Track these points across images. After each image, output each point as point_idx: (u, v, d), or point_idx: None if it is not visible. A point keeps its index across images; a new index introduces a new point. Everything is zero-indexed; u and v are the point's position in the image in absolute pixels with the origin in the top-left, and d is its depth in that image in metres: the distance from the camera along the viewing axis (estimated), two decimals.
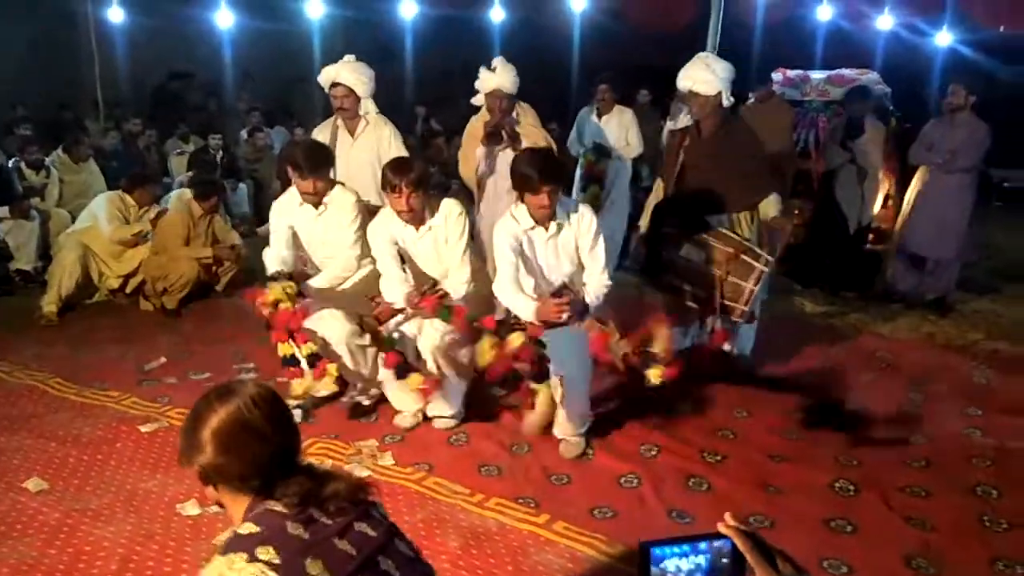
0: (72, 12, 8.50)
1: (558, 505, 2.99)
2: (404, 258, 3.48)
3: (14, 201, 5.78)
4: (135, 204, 5.47)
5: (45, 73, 8.72)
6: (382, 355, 3.38)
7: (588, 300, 3.19)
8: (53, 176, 6.27)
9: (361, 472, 3.20)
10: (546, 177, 3.03)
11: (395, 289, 3.39)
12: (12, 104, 8.04)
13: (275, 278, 3.41)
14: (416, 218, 3.31)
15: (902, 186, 5.62)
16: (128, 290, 5.41)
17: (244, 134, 8.38)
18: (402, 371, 3.33)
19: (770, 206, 3.84)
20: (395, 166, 3.27)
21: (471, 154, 4.47)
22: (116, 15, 8.61)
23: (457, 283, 3.37)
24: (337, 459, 3.31)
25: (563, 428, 3.40)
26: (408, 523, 2.86)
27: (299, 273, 3.58)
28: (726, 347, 3.85)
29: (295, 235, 3.65)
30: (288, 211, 3.63)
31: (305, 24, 9.23)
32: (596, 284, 3.25)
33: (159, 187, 6.17)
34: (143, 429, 3.57)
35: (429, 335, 3.39)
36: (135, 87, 9.63)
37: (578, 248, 3.27)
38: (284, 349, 3.40)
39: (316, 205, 3.53)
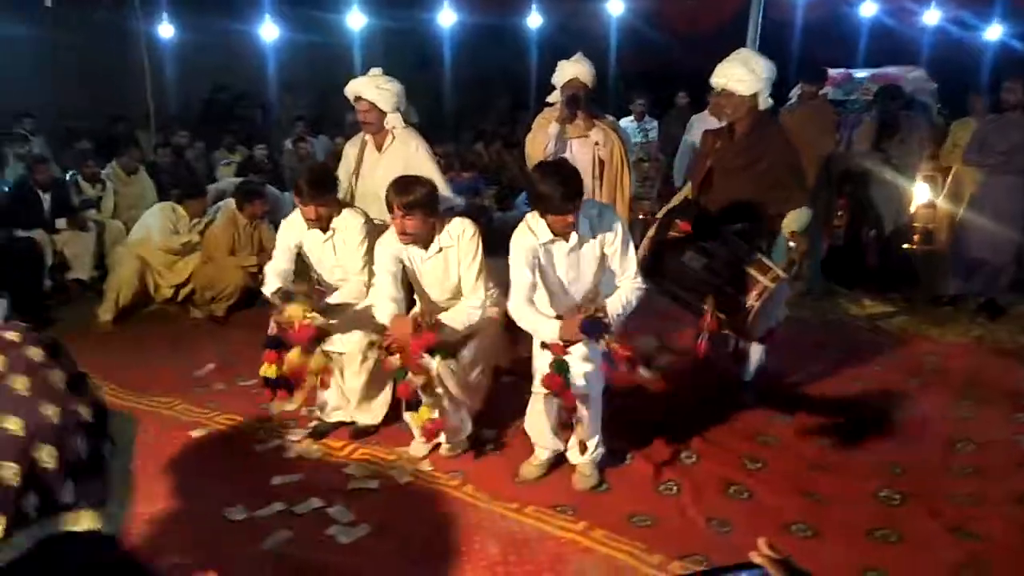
0: (125, 28, 8.80)
1: (596, 512, 3.00)
2: (412, 280, 3.37)
3: (71, 213, 6.02)
4: (186, 215, 5.66)
5: (99, 88, 9.05)
6: (392, 383, 3.34)
7: (613, 312, 2.96)
8: (108, 188, 6.51)
9: (403, 478, 3.27)
10: (571, 196, 2.83)
11: (383, 306, 3.21)
12: (63, 116, 8.37)
13: (288, 296, 3.33)
14: (416, 241, 3.19)
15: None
16: (179, 299, 5.59)
17: (289, 143, 8.57)
18: (415, 404, 3.19)
19: (793, 219, 3.58)
20: (397, 186, 3.14)
21: (540, 136, 4.37)
22: (166, 31, 8.92)
23: (471, 307, 3.22)
24: (380, 465, 3.37)
25: (576, 454, 3.22)
26: (448, 528, 2.91)
27: (305, 290, 3.51)
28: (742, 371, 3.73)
29: (300, 254, 3.63)
30: (296, 230, 3.58)
31: (347, 35, 9.39)
32: (627, 289, 3.03)
33: (209, 198, 6.36)
34: (193, 434, 3.69)
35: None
36: (184, 100, 9.95)
37: (604, 256, 3.06)
38: (267, 371, 3.32)
39: (323, 230, 3.49)
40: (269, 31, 9.07)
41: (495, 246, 7.69)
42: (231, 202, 5.72)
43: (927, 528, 2.88)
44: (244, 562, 2.74)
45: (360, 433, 3.66)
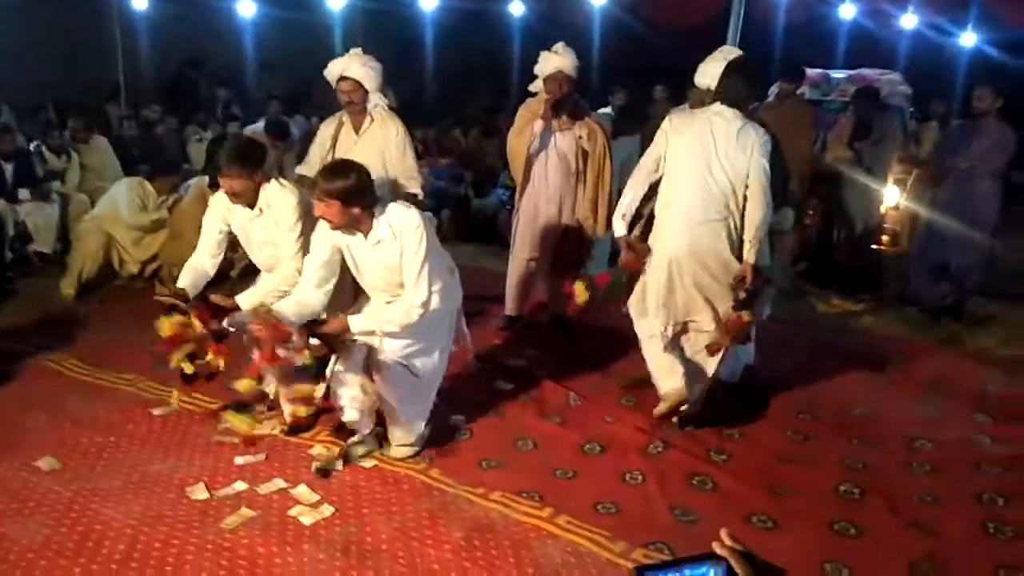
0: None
1: (562, 499, 3.00)
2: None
3: (35, 184, 5.87)
4: (154, 192, 5.55)
5: (70, 59, 8.83)
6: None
7: (357, 325, 3.00)
8: (74, 160, 6.37)
9: (368, 460, 3.24)
10: (327, 190, 2.86)
11: (306, 297, 3.07)
12: (38, 89, 8.16)
13: (172, 308, 3.17)
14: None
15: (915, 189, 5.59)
16: (145, 275, 5.48)
17: (263, 122, 8.43)
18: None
19: (777, 221, 3.60)
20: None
21: (525, 129, 4.38)
22: (140, 3, 8.70)
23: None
24: (344, 446, 3.33)
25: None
26: (412, 512, 2.89)
27: (222, 297, 3.34)
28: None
29: (231, 235, 3.43)
30: (223, 206, 3.36)
31: (326, 14, 9.27)
32: (397, 307, 3.00)
33: (180, 175, 6.26)
34: (155, 412, 3.62)
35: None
36: (158, 74, 9.74)
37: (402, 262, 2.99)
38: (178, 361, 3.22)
39: (248, 206, 3.28)
40: (247, 7, 8.91)
41: (472, 233, 7.66)
42: (204, 179, 5.63)
43: (885, 523, 2.93)
44: (204, 540, 2.69)
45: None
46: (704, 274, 3.32)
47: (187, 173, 6.42)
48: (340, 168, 2.98)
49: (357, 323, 3.04)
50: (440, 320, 3.18)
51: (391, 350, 3.07)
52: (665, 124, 3.38)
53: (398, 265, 3.00)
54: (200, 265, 3.40)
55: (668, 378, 3.52)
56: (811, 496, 3.09)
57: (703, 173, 3.24)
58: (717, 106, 3.30)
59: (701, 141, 3.25)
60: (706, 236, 3.28)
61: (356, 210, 2.92)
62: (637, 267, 3.43)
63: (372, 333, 3.05)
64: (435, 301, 3.01)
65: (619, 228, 3.45)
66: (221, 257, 3.47)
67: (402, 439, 3.28)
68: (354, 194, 2.89)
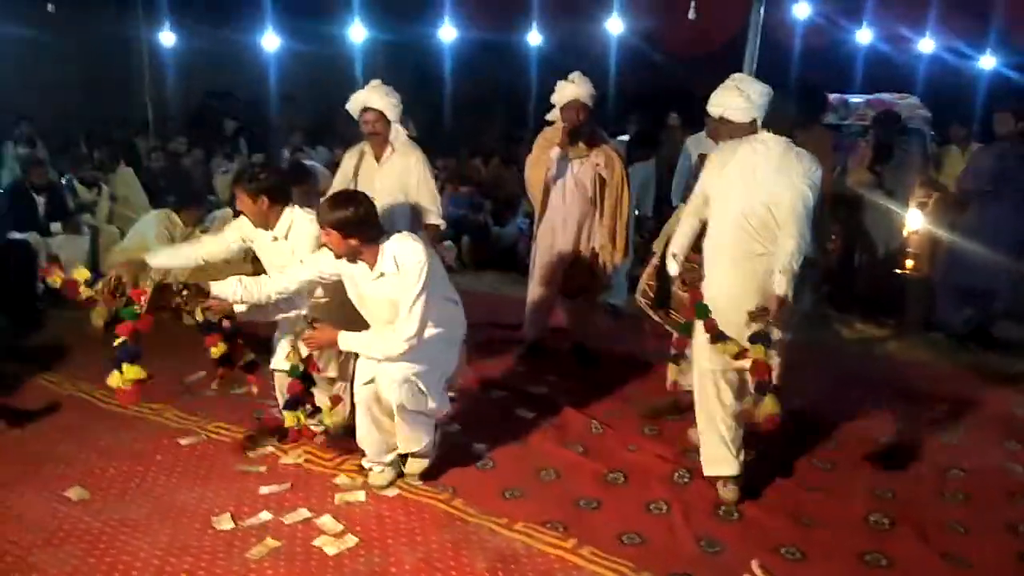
0: (126, 36, 8.84)
1: (586, 530, 2.99)
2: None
3: (67, 217, 6.01)
4: (181, 223, 5.66)
5: (99, 94, 9.06)
6: (285, 381, 3.43)
7: (344, 341, 3.08)
8: (104, 192, 6.51)
9: (391, 490, 3.25)
10: (326, 220, 2.95)
11: (260, 283, 3.24)
12: (63, 120, 8.38)
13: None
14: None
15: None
16: (172, 306, 5.55)
17: (286, 153, 8.58)
18: (293, 403, 3.38)
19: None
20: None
21: (541, 159, 4.43)
22: (168, 39, 8.96)
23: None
24: (368, 476, 3.34)
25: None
26: (436, 542, 2.89)
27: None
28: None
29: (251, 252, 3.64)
30: (248, 225, 3.51)
31: (347, 47, 9.45)
32: (388, 335, 3.00)
33: (205, 206, 6.37)
34: (182, 442, 3.66)
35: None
36: (184, 107, 9.97)
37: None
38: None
39: (264, 228, 3.42)
40: (271, 41, 9.12)
41: (492, 261, 7.69)
42: (228, 211, 5.73)
43: (917, 553, 2.88)
44: (230, 571, 2.71)
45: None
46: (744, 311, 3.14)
47: (212, 205, 6.53)
48: (342, 199, 3.04)
49: (345, 339, 3.10)
50: (443, 353, 3.21)
51: (394, 366, 3.05)
52: (711, 156, 3.31)
53: (399, 299, 3.00)
54: (188, 253, 3.71)
55: (721, 461, 3.25)
56: (840, 527, 3.04)
57: (744, 205, 3.11)
58: (763, 134, 3.22)
59: (743, 172, 3.13)
60: (753, 275, 3.12)
61: (354, 241, 2.96)
62: (699, 297, 3.26)
63: (356, 354, 3.16)
64: (425, 336, 3.01)
65: (672, 267, 3.34)
66: (207, 257, 3.71)
67: (408, 445, 3.24)
68: (352, 225, 2.93)
